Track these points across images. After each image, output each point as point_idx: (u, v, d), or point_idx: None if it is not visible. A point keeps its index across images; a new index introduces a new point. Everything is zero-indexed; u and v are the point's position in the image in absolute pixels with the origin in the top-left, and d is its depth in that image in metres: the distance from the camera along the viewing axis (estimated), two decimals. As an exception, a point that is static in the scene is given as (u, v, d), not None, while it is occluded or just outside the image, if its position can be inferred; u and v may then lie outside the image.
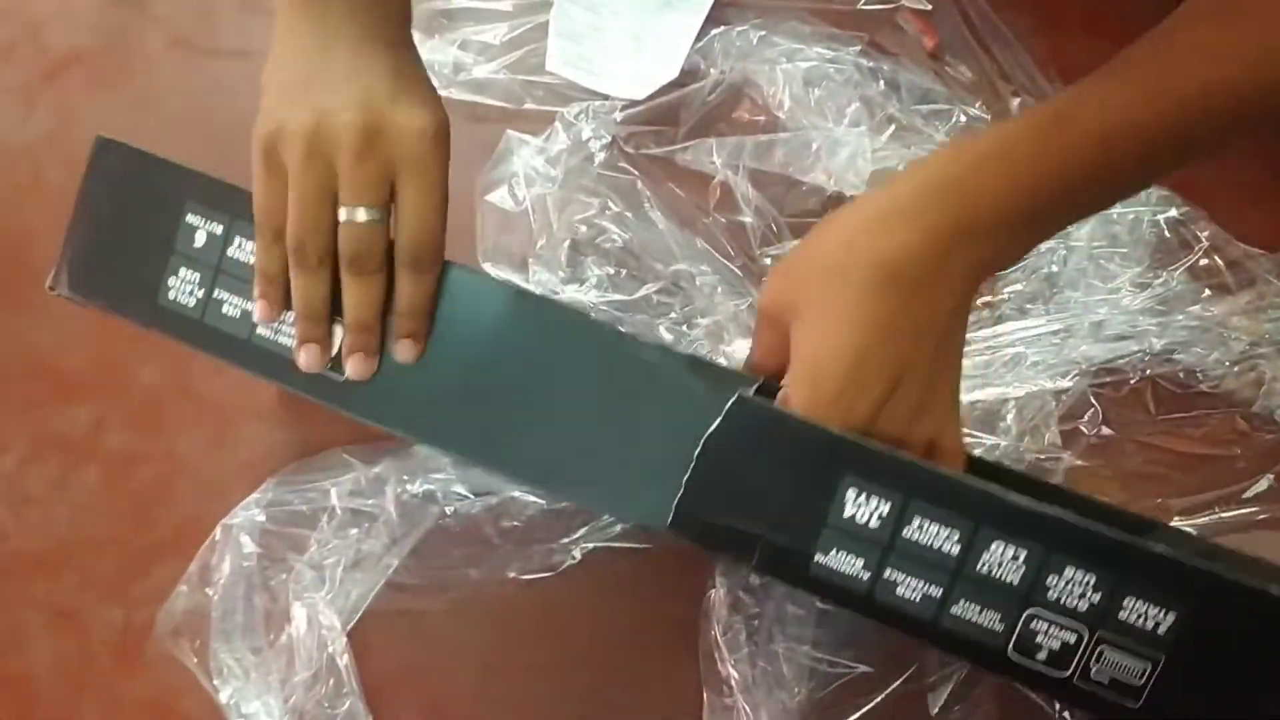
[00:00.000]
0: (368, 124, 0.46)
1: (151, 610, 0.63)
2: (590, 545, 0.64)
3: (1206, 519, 0.63)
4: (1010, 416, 0.64)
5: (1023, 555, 0.41)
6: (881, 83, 0.74)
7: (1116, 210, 0.69)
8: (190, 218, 0.51)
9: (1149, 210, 0.69)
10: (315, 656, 0.61)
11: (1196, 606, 0.40)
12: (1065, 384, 0.65)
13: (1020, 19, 0.75)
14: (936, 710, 0.59)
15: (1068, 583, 0.41)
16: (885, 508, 0.43)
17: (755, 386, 0.45)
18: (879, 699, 0.60)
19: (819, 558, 0.44)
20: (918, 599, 0.43)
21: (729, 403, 0.44)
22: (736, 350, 0.67)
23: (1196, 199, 0.70)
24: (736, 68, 0.76)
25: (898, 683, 0.60)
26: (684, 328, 0.68)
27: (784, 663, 0.60)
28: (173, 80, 0.85)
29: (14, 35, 0.85)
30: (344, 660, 0.61)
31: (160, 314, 0.52)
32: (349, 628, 0.62)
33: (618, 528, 0.65)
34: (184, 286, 0.51)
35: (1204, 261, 0.68)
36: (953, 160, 0.44)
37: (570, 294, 0.68)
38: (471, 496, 0.65)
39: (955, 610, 0.43)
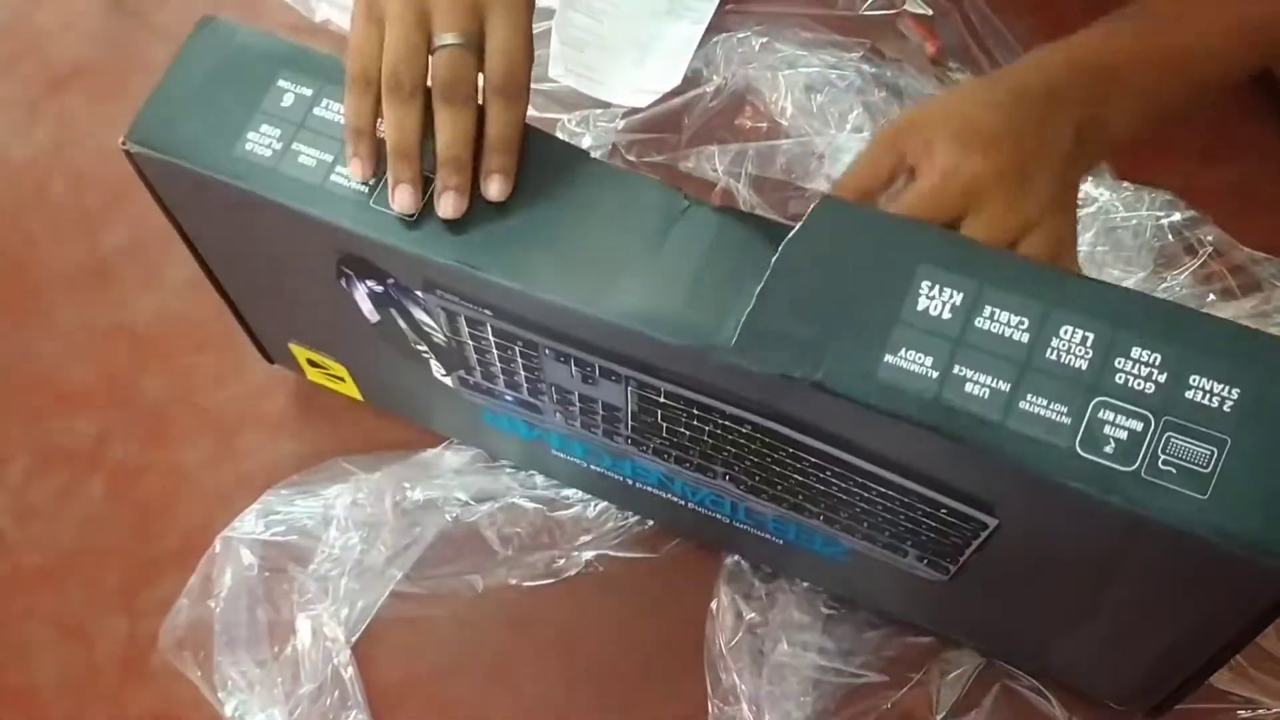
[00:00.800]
0: None
1: (156, 622, 0.64)
2: (593, 552, 0.65)
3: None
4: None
5: (1091, 338, 0.42)
6: (884, 88, 0.75)
7: (1120, 215, 0.70)
8: (282, 82, 0.52)
9: (1152, 215, 0.70)
10: (320, 668, 0.62)
11: (1262, 377, 0.41)
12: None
13: (1021, 21, 0.76)
14: (942, 717, 0.60)
15: (1135, 363, 0.41)
16: (958, 298, 0.43)
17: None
18: (886, 706, 0.60)
19: (888, 359, 0.44)
20: (986, 395, 0.43)
21: (813, 206, 0.45)
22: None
23: (1200, 203, 0.70)
24: (738, 74, 0.77)
25: (905, 690, 0.61)
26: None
27: (790, 671, 0.60)
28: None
29: (17, 48, 0.86)
30: (349, 672, 0.62)
31: (233, 163, 0.51)
32: (353, 640, 0.63)
33: (620, 536, 0.65)
34: (263, 140, 0.52)
35: (1208, 266, 0.69)
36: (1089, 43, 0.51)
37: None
38: (472, 503, 0.66)
39: (1023, 406, 0.42)
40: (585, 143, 0.76)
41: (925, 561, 0.54)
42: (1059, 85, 0.50)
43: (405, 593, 0.65)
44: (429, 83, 0.50)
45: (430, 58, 0.50)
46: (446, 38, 0.49)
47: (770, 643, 0.61)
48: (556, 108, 0.78)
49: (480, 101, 0.51)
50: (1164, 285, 0.68)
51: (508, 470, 0.68)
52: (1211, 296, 0.68)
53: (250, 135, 0.52)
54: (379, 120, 0.50)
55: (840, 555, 0.58)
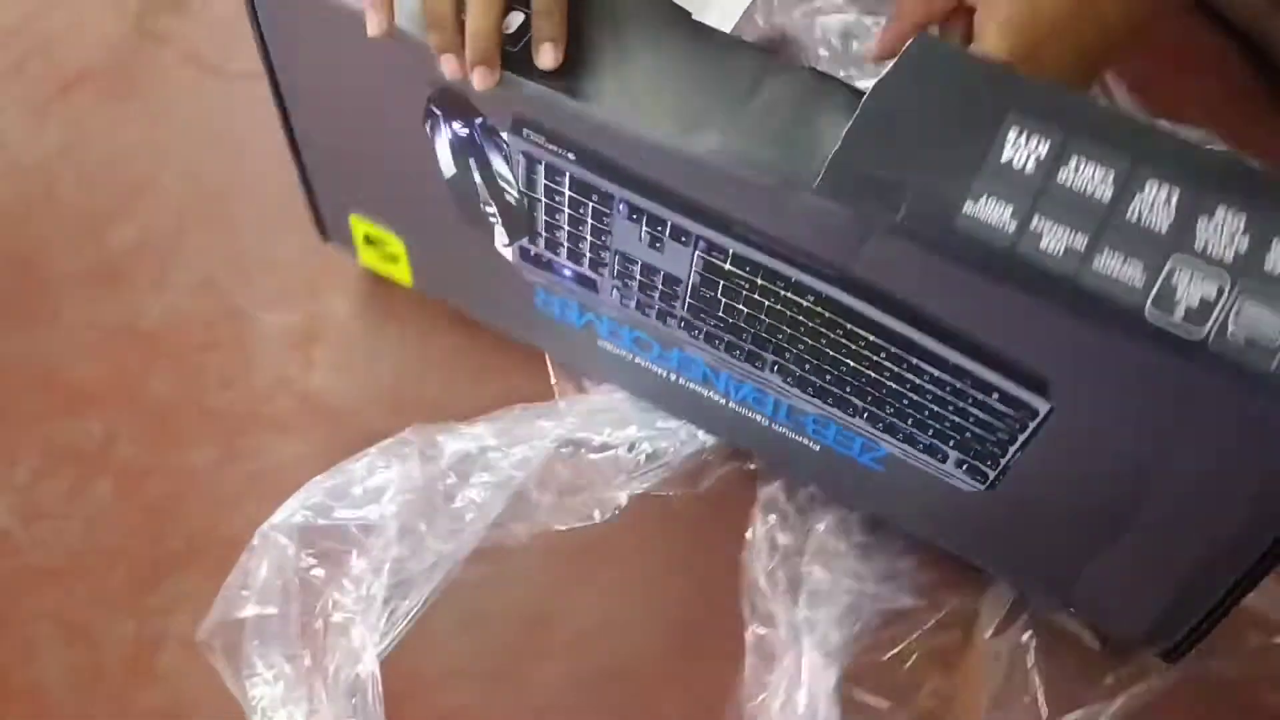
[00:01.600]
0: None
1: (163, 622, 0.65)
2: (631, 492, 0.67)
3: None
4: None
5: (1175, 196, 0.41)
6: None
7: None
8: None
9: None
10: (346, 673, 0.62)
11: None
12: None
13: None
14: (979, 644, 0.61)
15: (1217, 226, 0.41)
16: (1044, 148, 0.42)
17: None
18: (923, 631, 0.62)
19: (968, 207, 0.44)
20: (1061, 251, 0.42)
21: (908, 45, 0.44)
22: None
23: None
24: (776, 23, 0.78)
25: (941, 614, 0.62)
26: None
27: (827, 597, 0.62)
28: (184, 95, 0.87)
29: (26, 51, 0.88)
30: (372, 679, 0.62)
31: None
32: (383, 652, 0.63)
33: (656, 474, 0.67)
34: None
35: None
36: None
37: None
38: (506, 450, 0.68)
39: (1097, 264, 0.42)
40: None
41: (964, 467, 0.55)
42: None
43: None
44: None
45: None
46: None
47: (806, 569, 0.63)
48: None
49: None
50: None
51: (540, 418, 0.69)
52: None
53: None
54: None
55: (877, 464, 0.59)
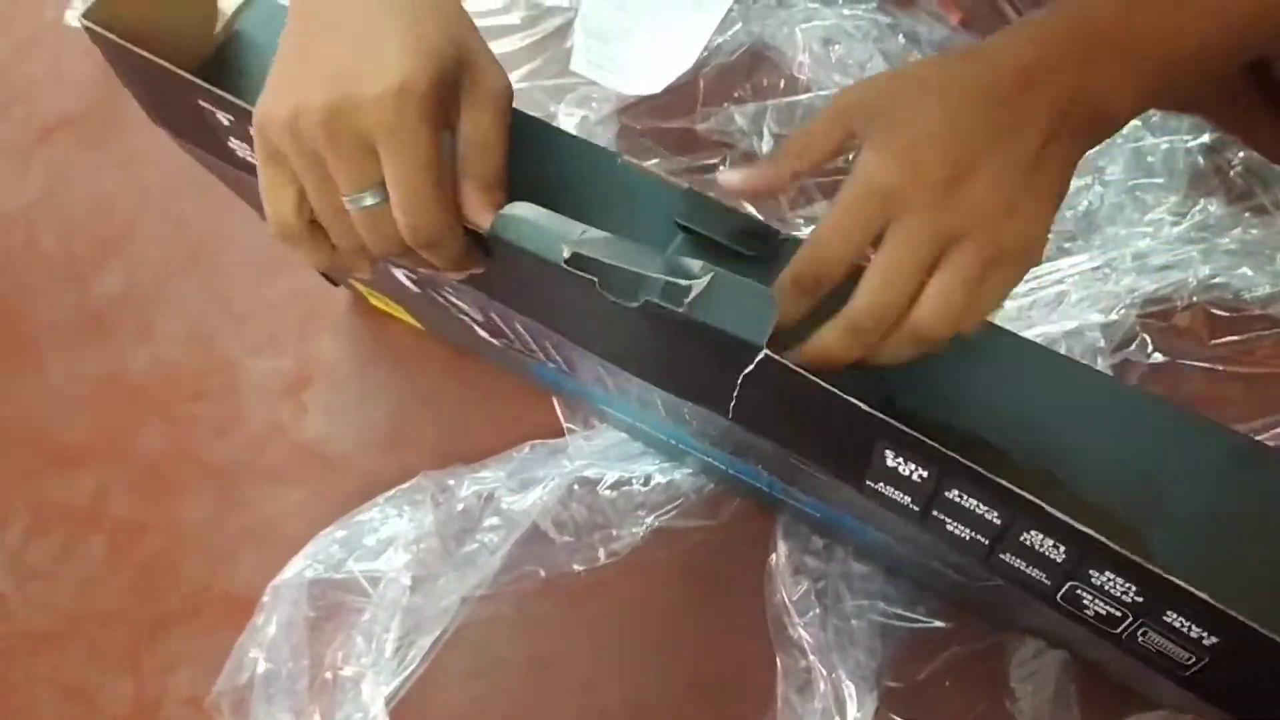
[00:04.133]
0: (328, 102, 0.45)
1: (163, 682, 0.66)
2: (650, 526, 0.68)
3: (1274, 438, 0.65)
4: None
5: (1063, 548, 0.43)
6: (901, 36, 0.78)
7: (1148, 140, 0.72)
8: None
9: (1180, 139, 0.72)
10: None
11: (1228, 643, 0.42)
12: (1112, 318, 0.68)
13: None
14: (1014, 664, 0.62)
15: (1109, 580, 0.43)
16: (924, 473, 0.44)
17: (768, 342, 0.44)
18: (957, 649, 0.63)
19: (869, 482, 0.46)
20: (967, 538, 0.45)
21: (756, 359, 0.43)
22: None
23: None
24: (754, 31, 0.81)
25: (973, 636, 0.63)
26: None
27: (856, 622, 0.63)
28: (164, 140, 0.88)
29: (5, 99, 0.90)
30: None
31: None
32: (393, 698, 0.65)
33: (674, 507, 0.69)
34: None
35: (1240, 186, 0.71)
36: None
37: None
38: (520, 492, 0.69)
39: (1004, 558, 0.45)
40: (586, 110, 0.79)
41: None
42: (1036, 61, 0.46)
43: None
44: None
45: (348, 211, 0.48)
46: (355, 199, 0.46)
47: (832, 595, 0.64)
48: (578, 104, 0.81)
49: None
50: (1198, 208, 0.70)
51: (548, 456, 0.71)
52: (1247, 215, 0.70)
53: None
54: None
55: (878, 538, 0.60)
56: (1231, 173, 0.71)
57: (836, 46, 0.78)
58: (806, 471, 0.54)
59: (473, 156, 0.48)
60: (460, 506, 0.69)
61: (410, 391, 0.76)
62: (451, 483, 0.69)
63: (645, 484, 0.70)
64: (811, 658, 0.62)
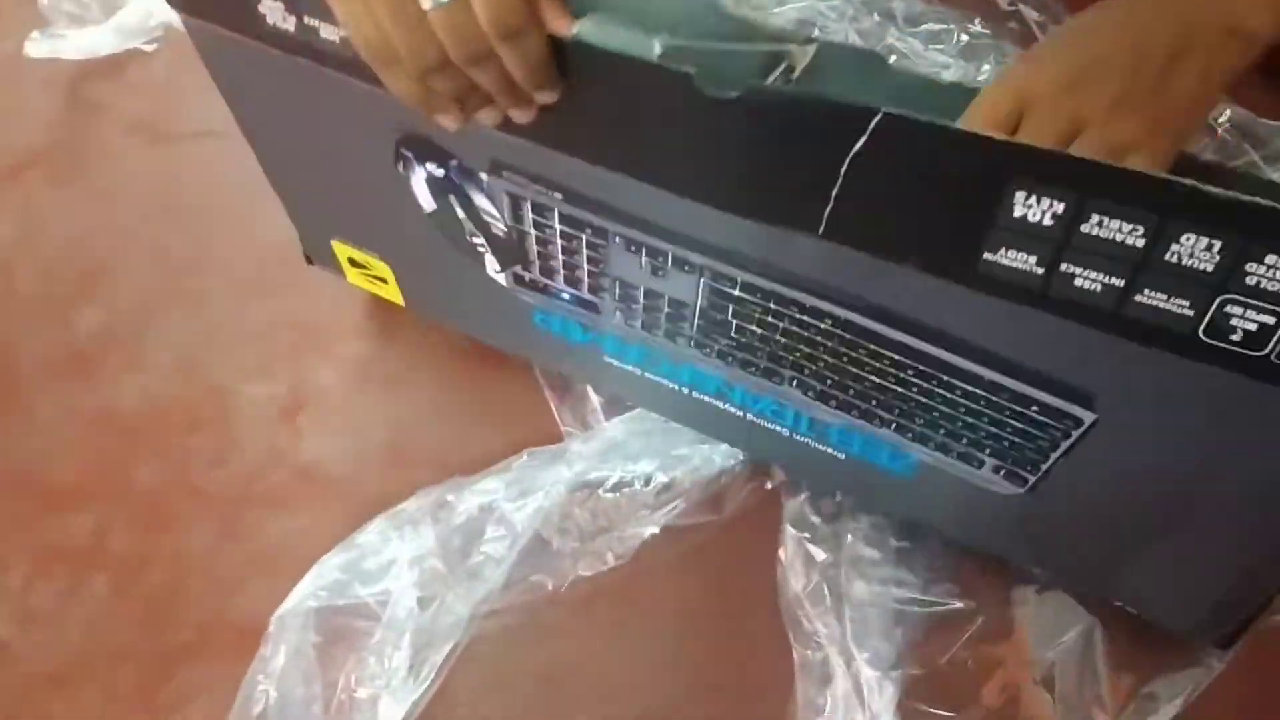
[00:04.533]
0: None
1: (179, 716, 0.66)
2: (656, 527, 0.69)
3: None
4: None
5: (1218, 245, 0.40)
6: (876, 14, 0.78)
7: None
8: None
9: None
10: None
11: None
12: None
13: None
14: (1035, 638, 0.63)
15: (1270, 268, 0.40)
16: (1060, 207, 0.42)
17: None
18: (975, 630, 0.63)
19: (988, 255, 0.44)
20: (1097, 289, 0.43)
21: (874, 119, 0.42)
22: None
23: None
24: (738, 14, 0.80)
25: (990, 614, 0.64)
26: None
27: (871, 608, 0.64)
28: (133, 166, 0.89)
29: (-31, 141, 0.89)
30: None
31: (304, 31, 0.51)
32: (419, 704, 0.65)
33: (677, 505, 0.69)
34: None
35: (1229, 143, 0.73)
36: None
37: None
38: (520, 501, 0.69)
39: (1140, 298, 0.42)
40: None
41: (1002, 473, 0.55)
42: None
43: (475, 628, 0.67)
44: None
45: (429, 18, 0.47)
46: None
47: (846, 582, 0.64)
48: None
49: None
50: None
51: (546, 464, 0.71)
52: (1239, 173, 0.71)
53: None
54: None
55: (907, 471, 0.59)
56: (1220, 131, 0.72)
57: (813, 29, 0.79)
58: (860, 369, 0.52)
59: None
60: (461, 520, 0.69)
61: (406, 407, 0.77)
62: (451, 498, 0.70)
63: (647, 484, 0.70)
64: (829, 649, 0.63)
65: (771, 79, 0.46)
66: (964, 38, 0.77)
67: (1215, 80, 0.50)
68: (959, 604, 0.64)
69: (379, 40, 0.47)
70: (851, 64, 0.46)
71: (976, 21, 0.78)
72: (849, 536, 0.66)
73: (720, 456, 0.71)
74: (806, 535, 0.66)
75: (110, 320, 0.81)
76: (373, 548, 0.68)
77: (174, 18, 0.82)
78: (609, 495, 0.70)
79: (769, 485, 0.70)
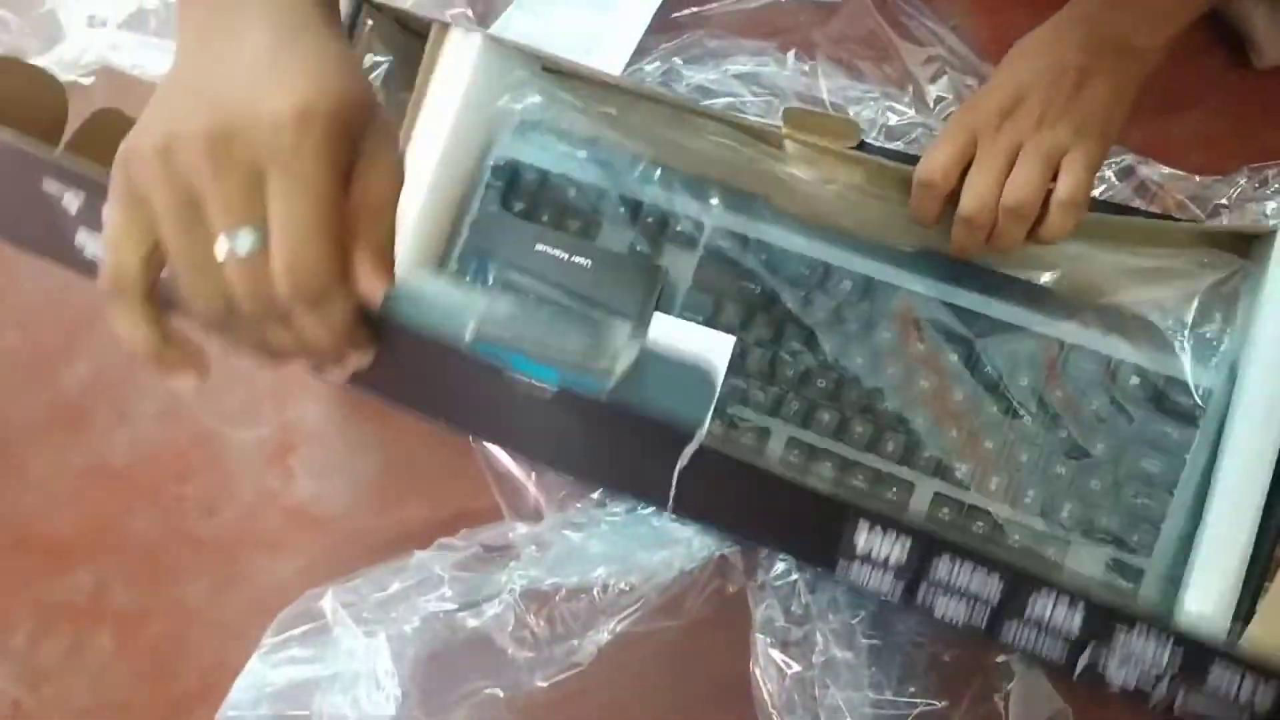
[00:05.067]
0: (214, 125, 0.40)
1: (191, 766, 0.67)
2: (615, 632, 0.68)
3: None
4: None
5: (1078, 614, 0.41)
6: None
7: None
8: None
9: None
10: None
11: None
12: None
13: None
14: None
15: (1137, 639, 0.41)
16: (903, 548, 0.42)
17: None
18: None
19: (841, 571, 0.43)
20: (959, 621, 0.42)
21: (693, 442, 0.42)
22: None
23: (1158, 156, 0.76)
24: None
25: (966, 708, 0.65)
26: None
27: (848, 714, 0.64)
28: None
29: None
30: None
31: None
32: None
33: (637, 610, 0.68)
34: None
35: (1164, 201, 0.74)
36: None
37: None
38: (473, 609, 0.68)
39: (1006, 636, 0.42)
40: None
41: None
42: (1064, 20, 0.63)
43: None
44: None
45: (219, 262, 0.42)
46: (237, 242, 0.41)
47: (820, 688, 0.64)
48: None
49: None
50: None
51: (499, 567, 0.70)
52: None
53: None
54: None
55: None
56: (1152, 189, 0.74)
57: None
58: None
59: (366, 219, 0.43)
60: (412, 629, 0.67)
61: (394, 444, 0.78)
62: (394, 615, 0.68)
63: (604, 590, 0.69)
64: (809, 761, 0.62)
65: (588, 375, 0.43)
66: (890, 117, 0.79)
67: (1123, 87, 0.62)
68: (936, 703, 0.64)
69: (134, 272, 0.42)
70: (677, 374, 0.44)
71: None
72: (818, 640, 0.65)
73: (679, 562, 0.69)
74: (775, 641, 0.65)
75: (96, 373, 0.82)
76: (290, 672, 0.67)
77: (110, 55, 0.84)
78: (565, 604, 0.68)
79: (730, 589, 0.69)
